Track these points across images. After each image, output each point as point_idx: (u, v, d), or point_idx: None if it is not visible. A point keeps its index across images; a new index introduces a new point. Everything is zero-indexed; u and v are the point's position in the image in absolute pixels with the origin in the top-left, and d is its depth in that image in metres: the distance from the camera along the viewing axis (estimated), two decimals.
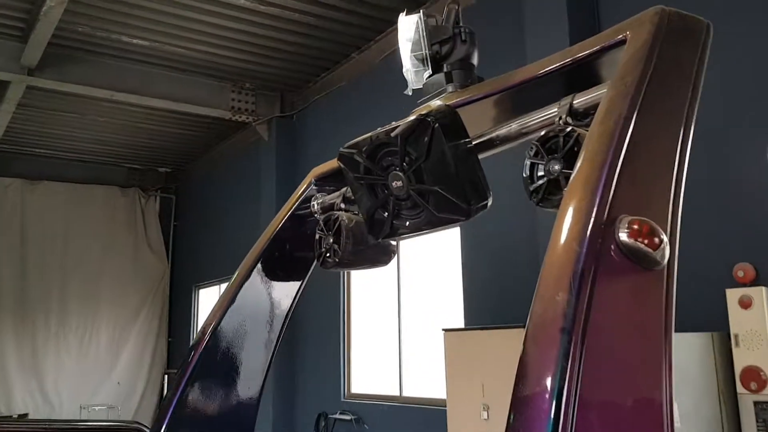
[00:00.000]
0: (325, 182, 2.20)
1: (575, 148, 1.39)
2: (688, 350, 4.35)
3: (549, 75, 1.55)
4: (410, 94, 1.93)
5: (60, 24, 7.47)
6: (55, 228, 13.14)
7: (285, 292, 2.17)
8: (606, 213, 1.07)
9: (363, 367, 8.69)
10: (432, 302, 7.54)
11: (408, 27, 1.77)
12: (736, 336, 4.26)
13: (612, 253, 1.06)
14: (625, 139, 1.16)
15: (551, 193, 1.45)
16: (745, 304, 4.22)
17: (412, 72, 1.79)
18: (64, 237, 13.24)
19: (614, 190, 1.10)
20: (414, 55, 1.75)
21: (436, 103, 1.76)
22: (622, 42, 1.38)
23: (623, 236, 1.06)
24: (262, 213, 10.07)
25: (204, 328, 1.99)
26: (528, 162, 1.50)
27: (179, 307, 13.87)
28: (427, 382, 7.33)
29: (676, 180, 1.21)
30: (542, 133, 1.48)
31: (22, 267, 12.83)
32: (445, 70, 1.81)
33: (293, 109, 10.25)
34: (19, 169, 12.83)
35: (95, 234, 13.50)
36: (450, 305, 7.06)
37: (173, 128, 11.57)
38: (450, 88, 1.80)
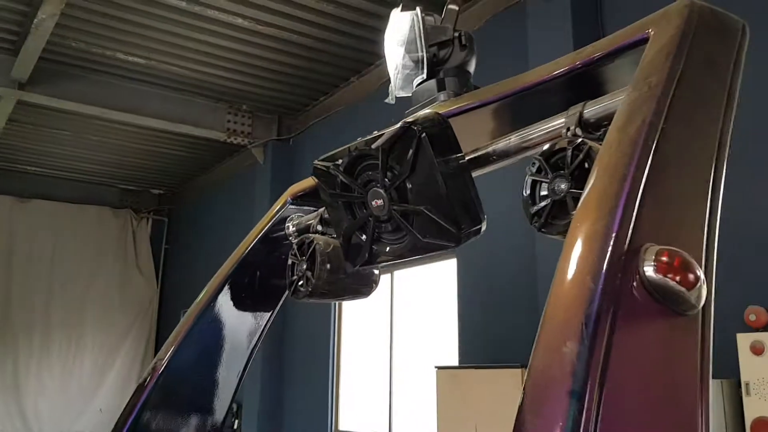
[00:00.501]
0: (303, 201, 1.98)
1: (586, 164, 1.17)
2: None
3: (556, 80, 1.33)
4: (392, 102, 1.71)
5: (53, 38, 7.31)
6: (43, 247, 12.88)
7: (251, 324, 1.93)
8: (628, 240, 0.84)
9: (351, 403, 8.36)
10: (425, 338, 7.26)
11: (402, 24, 1.55)
12: (746, 384, 3.98)
13: (634, 292, 0.82)
14: (650, 149, 0.93)
15: (556, 216, 1.22)
16: (757, 350, 3.95)
17: (401, 76, 1.57)
18: (52, 256, 12.98)
19: (637, 212, 0.87)
20: (408, 57, 1.53)
21: (423, 113, 1.54)
22: (644, 41, 1.16)
23: (649, 270, 0.83)
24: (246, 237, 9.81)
25: (155, 364, 1.75)
26: (529, 180, 1.27)
27: (167, 332, 13.41)
28: (417, 420, 7.02)
29: (711, 203, 0.98)
30: (546, 146, 1.26)
31: (6, 285, 12.54)
32: (438, 76, 1.60)
33: (290, 133, 10.07)
34: (9, 186, 12.59)
35: (84, 254, 13.24)
36: (444, 341, 6.78)
37: (167, 149, 11.38)
38: (442, 97, 1.59)
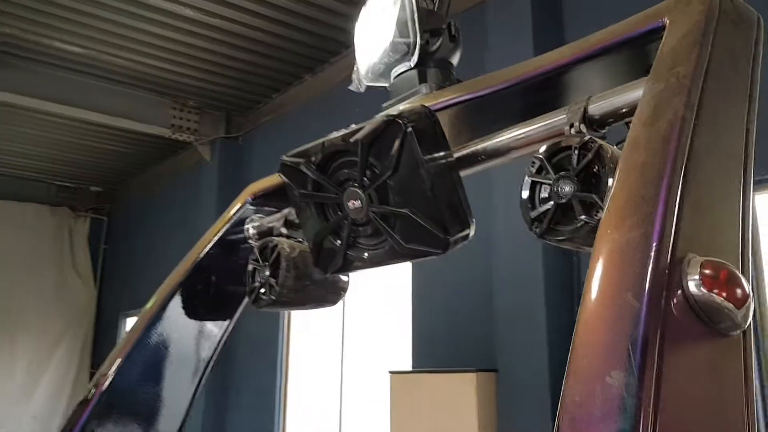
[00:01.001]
0: (264, 201, 1.84)
1: (595, 166, 1.06)
2: None
3: (554, 73, 1.22)
4: (360, 90, 1.57)
5: None
6: None
7: (207, 334, 1.76)
8: (670, 251, 0.72)
9: (301, 410, 8.16)
10: (378, 342, 7.13)
11: (390, 1, 1.41)
12: None
13: (678, 310, 0.71)
14: (685, 147, 0.82)
15: (559, 222, 1.10)
16: None
17: (383, 61, 1.44)
18: None
19: (677, 217, 0.76)
20: (398, 41, 1.40)
21: (402, 107, 1.41)
22: (657, 30, 1.06)
23: (693, 285, 0.72)
24: (198, 239, 9.49)
25: (98, 379, 1.56)
26: (528, 180, 1.15)
27: (105, 336, 12.99)
28: (369, 426, 6.89)
29: (744, 205, 0.88)
30: (547, 145, 1.15)
31: None
32: (422, 66, 1.47)
33: (239, 131, 9.78)
34: None
35: (17, 253, 12.59)
36: (397, 346, 6.67)
37: (108, 144, 10.91)
38: (424, 89, 1.46)
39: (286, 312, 8.35)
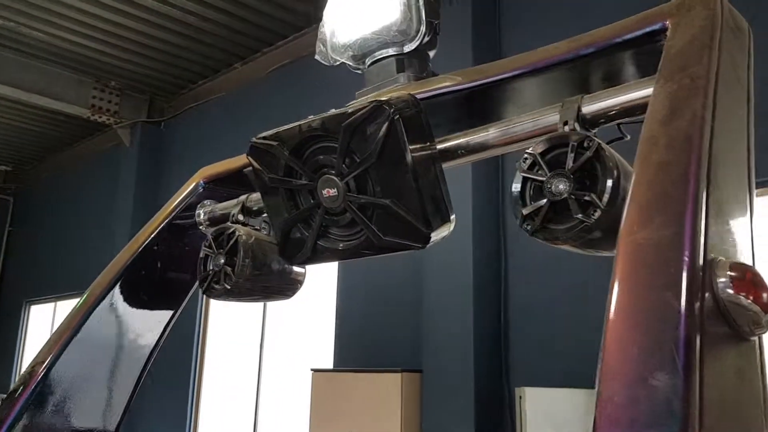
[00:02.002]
0: (217, 186, 1.73)
1: (593, 165, 1.04)
2: (572, 407, 4.16)
3: (545, 69, 1.20)
4: (326, 63, 1.51)
5: None
6: None
7: (151, 323, 1.65)
8: (702, 251, 0.70)
9: (214, 405, 7.93)
10: (299, 339, 7.01)
11: None
12: None
13: (708, 312, 0.69)
14: (706, 147, 0.81)
15: (552, 220, 1.07)
16: None
17: (376, 41, 1.37)
18: None
19: (705, 218, 0.74)
20: (405, 24, 1.34)
21: (390, 93, 1.36)
22: (659, 32, 1.06)
23: (723, 287, 0.70)
24: (115, 226, 9.09)
25: (34, 367, 1.43)
26: (520, 176, 1.12)
27: (6, 324, 12.24)
28: (286, 423, 6.76)
29: (750, 211, 0.88)
30: (541, 140, 1.12)
31: None
32: (400, 55, 1.42)
33: (162, 116, 9.42)
34: None
35: None
36: (318, 344, 6.58)
37: (18, 121, 10.28)
38: (402, 79, 1.41)
39: (203, 302, 8.10)
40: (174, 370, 8.15)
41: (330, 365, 6.17)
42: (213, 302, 8.18)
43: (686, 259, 0.68)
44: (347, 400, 5.20)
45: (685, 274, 0.67)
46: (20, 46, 7.97)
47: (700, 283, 0.67)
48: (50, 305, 11.25)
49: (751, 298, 0.70)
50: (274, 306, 7.36)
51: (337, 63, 1.47)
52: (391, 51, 1.37)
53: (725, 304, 0.69)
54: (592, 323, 4.56)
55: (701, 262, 0.68)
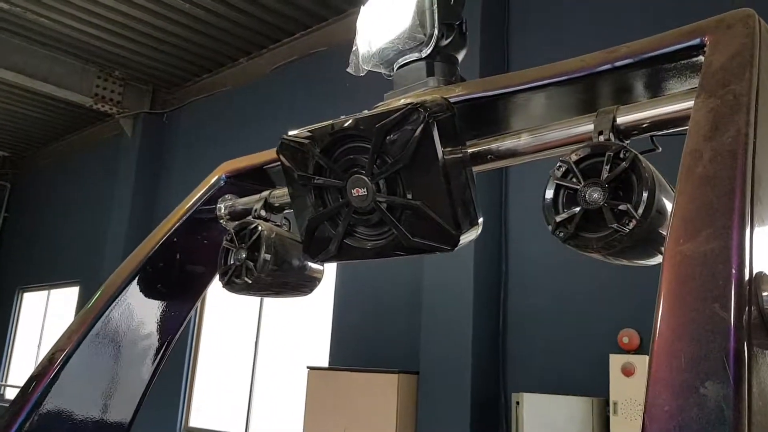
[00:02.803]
0: (240, 181, 1.74)
1: (631, 175, 1.05)
2: (568, 415, 4.20)
3: (580, 79, 1.21)
4: (359, 74, 1.52)
5: None
6: None
7: (169, 315, 1.66)
8: (747, 265, 0.72)
9: (206, 399, 7.92)
10: (295, 336, 7.01)
11: None
12: (615, 404, 4.15)
13: (754, 324, 0.71)
14: (750, 163, 0.83)
15: (584, 228, 1.09)
16: (628, 371, 4.14)
17: (393, 50, 1.39)
18: None
19: (750, 232, 0.76)
20: (414, 30, 1.35)
21: (421, 96, 1.37)
22: (698, 47, 1.07)
23: (767, 301, 0.72)
24: (111, 217, 9.07)
25: (54, 354, 1.43)
26: (553, 183, 1.13)
27: (1, 310, 12.16)
28: (280, 420, 6.76)
29: None
30: (575, 148, 1.13)
31: None
32: (430, 59, 1.43)
33: (165, 108, 9.41)
34: None
35: None
36: (315, 342, 6.58)
37: (20, 107, 10.24)
38: (432, 82, 1.42)
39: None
40: (167, 362, 8.11)
41: (326, 363, 6.17)
42: (208, 295, 8.17)
43: (734, 272, 0.69)
44: (342, 398, 5.20)
45: (733, 287, 0.68)
46: (25, 31, 7.95)
47: (747, 296, 0.68)
48: (43, 293, 11.20)
49: None
50: (271, 301, 7.35)
51: (364, 73, 1.48)
52: (412, 56, 1.38)
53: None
54: (591, 330, 4.58)
55: (747, 275, 0.70)
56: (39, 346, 10.93)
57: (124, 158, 9.34)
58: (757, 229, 0.76)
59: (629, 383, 4.16)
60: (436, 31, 1.38)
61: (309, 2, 6.96)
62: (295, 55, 7.59)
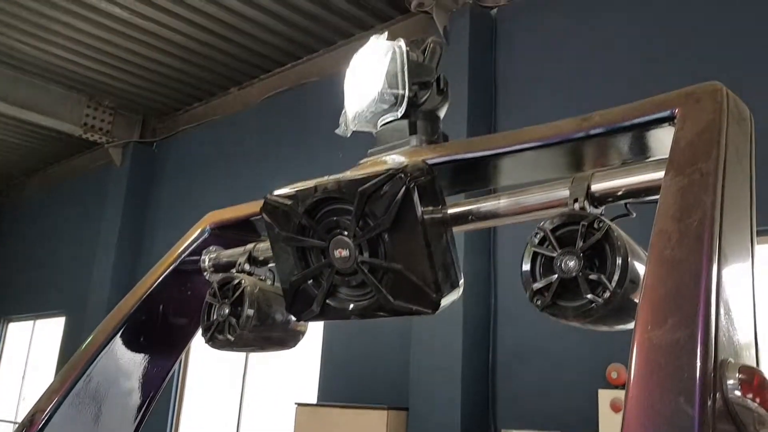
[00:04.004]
0: (224, 233, 1.74)
1: (604, 246, 1.07)
2: None
3: (555, 144, 1.24)
4: (346, 135, 1.54)
5: None
6: None
7: (152, 370, 1.65)
8: (713, 354, 0.74)
9: None
10: (283, 372, 6.94)
11: (381, 52, 1.39)
12: None
13: (718, 414, 0.72)
14: (715, 246, 0.85)
15: (562, 296, 1.10)
16: (617, 407, 4.13)
17: (370, 110, 1.41)
18: None
19: (716, 319, 0.77)
20: (387, 91, 1.37)
21: (397, 158, 1.39)
22: (668, 118, 1.10)
23: (732, 390, 0.73)
24: (98, 247, 9.01)
25: (34, 415, 1.42)
26: (530, 251, 1.15)
27: None
28: None
29: (754, 309, 0.91)
30: (551, 216, 1.16)
31: None
32: (411, 118, 1.45)
33: (155, 136, 9.42)
34: None
35: None
36: (303, 378, 6.52)
37: (8, 136, 10.22)
38: (414, 141, 1.44)
39: None
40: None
41: (314, 399, 6.12)
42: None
43: (699, 364, 0.71)
44: None
45: (698, 380, 0.70)
46: (14, 61, 7.97)
47: (712, 386, 0.70)
48: (29, 323, 11.09)
49: (758, 400, 0.73)
50: None
51: (350, 133, 1.50)
52: (390, 116, 1.40)
53: (734, 406, 0.72)
54: (579, 366, 4.58)
55: (712, 365, 0.71)
56: (23, 377, 10.78)
57: (113, 187, 9.32)
58: (723, 315, 0.78)
59: (618, 419, 4.14)
60: (406, 92, 1.40)
61: (299, 34, 7.03)
62: (285, 86, 7.64)
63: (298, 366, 6.62)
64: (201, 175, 8.29)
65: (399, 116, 1.43)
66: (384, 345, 5.69)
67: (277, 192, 1.36)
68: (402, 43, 1.41)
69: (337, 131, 1.52)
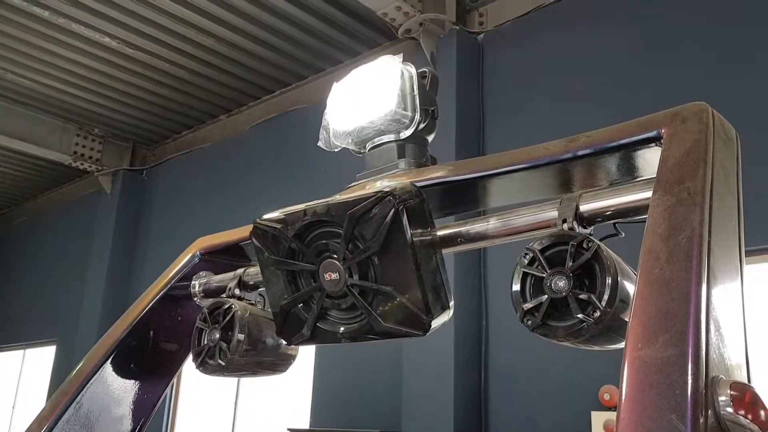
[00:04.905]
0: (213, 258, 1.74)
1: (594, 265, 1.08)
2: None
3: (543, 166, 1.25)
4: (327, 149, 1.55)
5: None
6: None
7: (144, 395, 1.64)
8: (704, 371, 0.74)
9: None
10: (275, 397, 6.89)
11: (393, 73, 1.40)
12: None
13: (711, 431, 0.72)
14: (704, 264, 0.85)
15: (552, 316, 1.11)
16: (609, 429, 4.11)
17: (373, 129, 1.42)
18: None
19: (706, 336, 0.78)
20: (400, 113, 1.38)
21: (391, 179, 1.40)
22: (654, 139, 1.11)
23: (722, 407, 0.73)
24: (89, 275, 8.96)
25: None
26: (520, 271, 1.16)
27: None
28: None
29: (744, 326, 0.91)
30: (541, 236, 1.16)
31: None
32: (400, 141, 1.47)
33: (145, 164, 9.42)
34: None
35: None
36: (295, 403, 6.46)
37: None
38: (403, 164, 1.45)
39: None
40: None
41: (307, 425, 6.06)
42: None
43: (690, 380, 0.71)
44: None
45: (689, 397, 0.70)
46: (5, 91, 7.98)
47: (703, 403, 0.70)
48: (18, 353, 10.95)
49: (750, 417, 0.73)
50: None
51: (338, 149, 1.51)
52: (389, 137, 1.41)
53: (725, 422, 0.72)
54: (572, 387, 4.56)
55: (703, 382, 0.72)
56: (14, 407, 10.63)
57: (103, 215, 9.29)
58: (713, 332, 0.78)
59: None
60: (417, 116, 1.41)
61: (288, 61, 7.08)
62: (274, 112, 7.68)
63: (291, 390, 6.56)
64: (191, 201, 8.29)
65: (402, 138, 1.44)
66: (376, 368, 5.66)
67: (266, 216, 1.36)
68: (412, 67, 1.43)
69: (319, 144, 1.52)
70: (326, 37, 6.62)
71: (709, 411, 0.72)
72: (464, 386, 4.85)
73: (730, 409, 0.73)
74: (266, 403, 6.94)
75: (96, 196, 9.66)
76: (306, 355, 6.36)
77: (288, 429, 5.53)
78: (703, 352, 0.74)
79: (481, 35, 5.95)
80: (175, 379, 1.70)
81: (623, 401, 0.74)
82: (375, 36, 6.59)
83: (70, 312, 9.18)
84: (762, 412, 0.75)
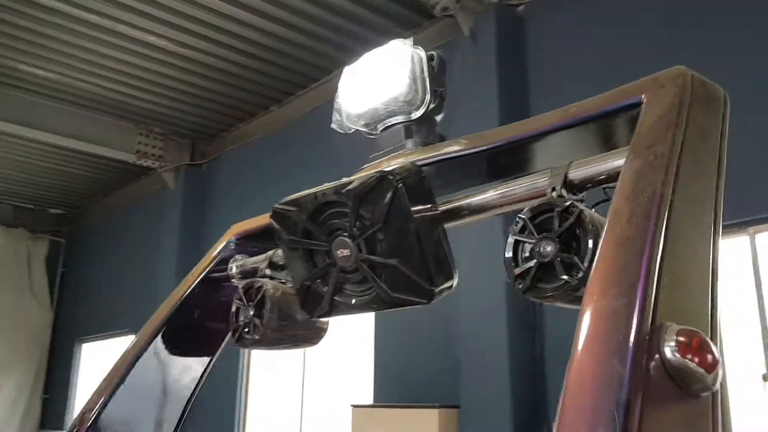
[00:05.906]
0: (248, 242, 1.88)
1: (576, 229, 1.14)
2: None
3: (539, 137, 1.31)
4: (341, 131, 1.64)
5: None
6: None
7: (190, 371, 1.79)
8: (650, 319, 0.80)
9: None
10: (340, 375, 7.10)
11: (404, 56, 1.48)
12: None
13: (656, 374, 0.79)
14: (662, 222, 0.91)
15: (541, 279, 1.18)
16: None
17: (386, 111, 1.50)
18: None
19: (656, 289, 0.84)
20: (412, 95, 1.46)
21: (397, 159, 1.48)
22: (635, 105, 1.16)
23: (669, 351, 0.79)
24: (159, 267, 9.37)
25: (84, 415, 1.57)
26: (512, 239, 1.23)
27: (59, 361, 12.58)
28: None
29: (713, 281, 0.96)
30: (530, 205, 1.23)
31: None
32: (407, 122, 1.54)
33: (204, 159, 9.76)
34: None
35: None
36: (358, 379, 6.65)
37: (70, 167, 10.74)
38: (410, 144, 1.53)
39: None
40: (219, 409, 8.30)
41: (370, 401, 6.24)
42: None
43: (634, 327, 0.77)
44: None
45: (631, 342, 0.76)
46: (68, 96, 8.40)
47: (645, 348, 0.76)
48: (100, 343, 11.58)
49: (697, 360, 0.79)
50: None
51: (351, 131, 1.60)
52: (400, 119, 1.49)
53: (672, 367, 0.78)
54: None
55: (648, 329, 0.78)
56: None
57: (169, 210, 9.69)
58: (666, 285, 0.84)
59: None
60: (428, 97, 1.48)
61: (331, 49, 7.20)
62: (321, 100, 7.83)
63: (354, 370, 6.75)
64: (247, 192, 8.54)
65: (413, 119, 1.51)
66: (434, 344, 5.76)
67: (283, 200, 1.47)
68: (422, 50, 1.49)
69: (333, 126, 1.61)
70: (364, 21, 6.69)
71: (655, 356, 0.78)
72: (519, 358, 4.90)
73: (677, 355, 0.78)
74: (331, 383, 7.16)
75: (161, 192, 10.07)
76: (367, 335, 6.53)
77: (352, 405, 5.71)
78: (651, 302, 0.80)
79: (521, 6, 5.89)
80: (220, 352, 1.84)
81: (577, 351, 0.81)
82: (413, 17, 6.61)
83: (145, 302, 9.63)
84: (709, 356, 0.80)
